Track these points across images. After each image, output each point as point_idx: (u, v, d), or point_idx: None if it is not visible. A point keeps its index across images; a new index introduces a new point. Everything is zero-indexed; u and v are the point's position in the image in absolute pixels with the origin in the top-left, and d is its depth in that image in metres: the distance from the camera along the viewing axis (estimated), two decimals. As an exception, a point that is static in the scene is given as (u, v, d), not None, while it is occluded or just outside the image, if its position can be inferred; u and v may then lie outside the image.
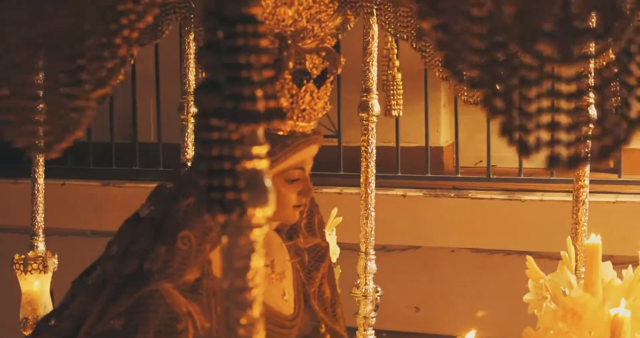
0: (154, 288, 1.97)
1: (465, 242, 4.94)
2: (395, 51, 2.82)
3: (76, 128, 1.20)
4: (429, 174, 5.12)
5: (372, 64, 2.75)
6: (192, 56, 2.93)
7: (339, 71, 2.13)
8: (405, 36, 2.62)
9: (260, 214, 0.96)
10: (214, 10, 0.96)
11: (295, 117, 2.07)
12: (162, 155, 5.33)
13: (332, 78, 2.12)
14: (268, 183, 0.97)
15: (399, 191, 4.93)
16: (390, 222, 4.63)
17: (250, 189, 0.96)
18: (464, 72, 1.05)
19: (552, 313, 2.24)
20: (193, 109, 2.94)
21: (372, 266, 2.77)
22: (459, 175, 5.11)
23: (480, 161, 5.45)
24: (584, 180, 2.48)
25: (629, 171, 4.94)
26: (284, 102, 2.04)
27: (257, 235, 0.97)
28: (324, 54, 2.08)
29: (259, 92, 0.96)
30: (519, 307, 4.68)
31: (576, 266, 2.43)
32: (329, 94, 2.13)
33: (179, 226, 2.00)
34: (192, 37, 2.92)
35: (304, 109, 2.08)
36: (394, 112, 2.79)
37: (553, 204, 4.77)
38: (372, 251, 2.76)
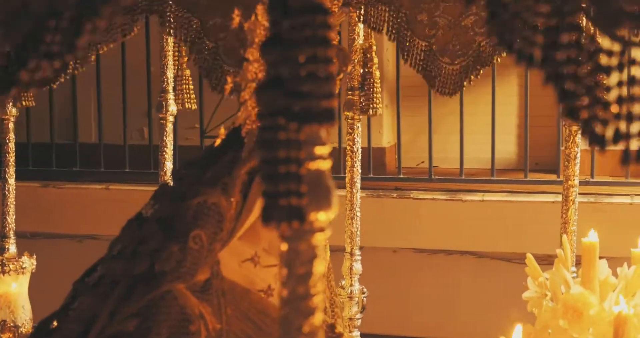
0: (167, 289, 1.92)
1: (407, 242, 4.97)
2: (374, 47, 2.79)
3: None
4: (372, 175, 5.14)
5: (357, 62, 2.72)
6: (170, 54, 2.85)
7: (349, 68, 2.11)
8: (384, 31, 2.59)
9: (324, 218, 0.90)
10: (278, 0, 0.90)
11: None
12: (103, 156, 5.23)
13: (341, 76, 2.11)
14: (331, 184, 0.92)
15: (342, 192, 4.91)
16: (332, 222, 4.61)
17: (314, 192, 0.90)
18: (523, 50, 0.96)
19: (551, 310, 2.25)
20: (172, 108, 2.87)
21: (358, 267, 2.75)
22: (401, 176, 5.15)
23: (422, 162, 5.50)
24: (574, 180, 2.51)
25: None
26: None
27: (319, 239, 0.92)
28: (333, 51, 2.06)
29: (329, 89, 0.91)
30: (461, 307, 4.75)
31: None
32: (337, 91, 2.12)
33: (190, 225, 1.95)
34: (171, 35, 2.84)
35: None
36: (378, 112, 2.77)
37: (493, 205, 4.84)
38: (357, 252, 2.75)
